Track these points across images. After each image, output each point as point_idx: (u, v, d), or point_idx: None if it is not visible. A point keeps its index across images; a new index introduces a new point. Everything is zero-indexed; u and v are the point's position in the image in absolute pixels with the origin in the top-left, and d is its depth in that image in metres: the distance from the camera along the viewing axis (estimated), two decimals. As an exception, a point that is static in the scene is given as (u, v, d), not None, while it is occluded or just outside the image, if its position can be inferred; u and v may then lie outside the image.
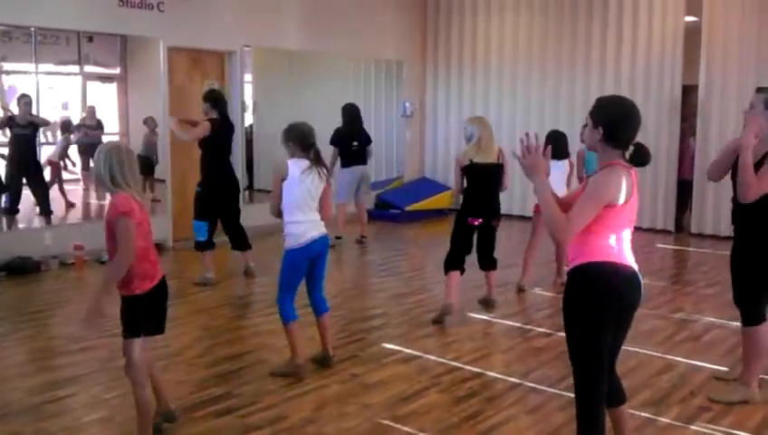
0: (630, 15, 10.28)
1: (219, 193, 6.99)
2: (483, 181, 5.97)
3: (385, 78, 12.01)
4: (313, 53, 10.79)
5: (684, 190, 10.32)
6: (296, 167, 4.57)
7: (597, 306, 3.02)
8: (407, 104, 12.08)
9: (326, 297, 4.92)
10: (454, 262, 6.02)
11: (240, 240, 7.23)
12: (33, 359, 5.05)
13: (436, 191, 11.63)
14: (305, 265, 4.66)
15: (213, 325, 5.79)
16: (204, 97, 7.16)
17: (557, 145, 6.97)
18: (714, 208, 9.86)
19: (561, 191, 6.96)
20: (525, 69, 11.28)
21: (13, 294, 6.73)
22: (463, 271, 6.06)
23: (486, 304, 6.38)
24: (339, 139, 8.84)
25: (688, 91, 10.25)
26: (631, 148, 3.07)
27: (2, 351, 5.20)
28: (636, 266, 3.09)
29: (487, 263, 6.30)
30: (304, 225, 4.57)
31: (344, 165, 8.91)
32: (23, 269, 7.29)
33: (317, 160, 4.65)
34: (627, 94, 10.20)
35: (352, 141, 8.88)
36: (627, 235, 3.08)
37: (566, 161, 7.10)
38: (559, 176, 6.99)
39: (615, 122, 3.05)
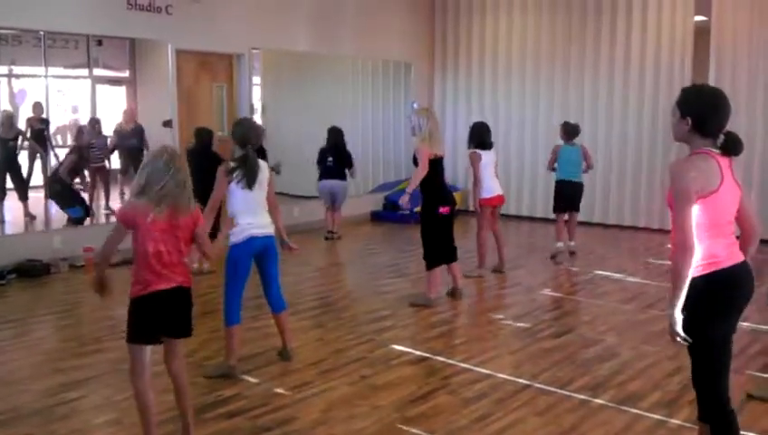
0: (639, 15, 10.25)
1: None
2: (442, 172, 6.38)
3: (393, 79, 12.01)
4: (321, 55, 10.81)
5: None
6: None
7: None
8: (415, 106, 12.06)
9: (284, 295, 5.00)
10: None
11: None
12: (43, 361, 5.06)
13: (445, 192, 11.60)
14: (247, 262, 4.71)
15: (221, 327, 5.76)
16: None
17: (485, 137, 7.52)
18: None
19: (491, 177, 7.48)
20: (533, 69, 11.26)
21: (23, 297, 6.77)
22: None
23: (455, 294, 6.49)
24: (319, 156, 9.57)
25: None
26: (721, 137, 2.94)
27: (12, 353, 5.22)
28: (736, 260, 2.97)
29: (454, 254, 6.52)
30: (246, 225, 4.64)
31: (318, 178, 9.58)
32: (32, 272, 7.32)
33: (243, 161, 4.61)
34: (636, 94, 10.26)
35: (327, 157, 9.50)
36: (726, 229, 2.97)
37: (492, 151, 7.59)
38: (493, 162, 7.56)
39: (704, 112, 2.94)
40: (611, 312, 6.36)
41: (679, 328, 2.88)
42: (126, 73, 10.09)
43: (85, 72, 9.61)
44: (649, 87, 10.18)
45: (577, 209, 8.56)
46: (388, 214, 11.12)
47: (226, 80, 9.58)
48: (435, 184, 6.25)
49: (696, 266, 2.88)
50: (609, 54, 10.52)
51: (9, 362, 5.02)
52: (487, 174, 7.44)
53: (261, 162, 4.71)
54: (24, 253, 7.46)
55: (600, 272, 7.79)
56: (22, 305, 6.51)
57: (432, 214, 6.26)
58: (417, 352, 5.22)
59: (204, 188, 7.14)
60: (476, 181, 7.43)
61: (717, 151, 2.92)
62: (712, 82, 9.70)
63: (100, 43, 9.32)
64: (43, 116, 8.86)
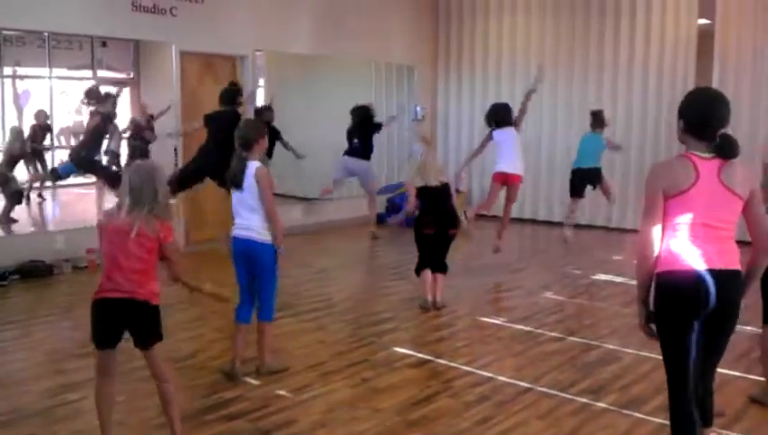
0: (643, 18, 10.24)
1: (200, 170, 7.90)
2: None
3: (396, 82, 12.01)
4: (325, 58, 10.82)
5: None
6: None
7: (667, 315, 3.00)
8: (418, 109, 12.07)
9: (269, 307, 4.73)
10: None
11: None
12: (45, 362, 5.07)
13: (448, 195, 11.60)
14: (236, 261, 4.72)
15: (225, 328, 5.79)
16: None
17: (501, 115, 7.85)
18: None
19: (513, 152, 7.74)
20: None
21: (25, 298, 6.78)
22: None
23: (433, 304, 6.48)
24: (346, 137, 9.72)
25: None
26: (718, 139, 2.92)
27: (14, 354, 5.23)
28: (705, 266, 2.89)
29: (440, 267, 6.65)
30: (234, 224, 4.71)
31: (343, 154, 9.71)
32: (35, 272, 7.33)
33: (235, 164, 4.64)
34: (639, 97, 10.24)
35: (353, 139, 9.63)
36: (701, 231, 2.90)
37: (511, 128, 7.82)
38: (510, 140, 7.77)
39: (695, 114, 2.94)
40: (613, 315, 6.35)
41: (642, 322, 3.13)
42: (130, 75, 10.11)
43: (89, 73, 9.63)
44: (653, 90, 10.16)
45: (595, 186, 8.88)
46: (391, 216, 11.09)
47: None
48: (424, 208, 6.56)
49: (660, 263, 2.98)
50: (612, 58, 10.52)
51: (11, 363, 5.03)
52: (502, 151, 7.77)
53: (250, 163, 4.57)
54: (26, 254, 7.47)
55: (602, 275, 7.78)
56: (24, 306, 6.52)
57: (417, 231, 6.61)
58: (419, 355, 5.22)
59: (226, 153, 6.94)
60: (472, 153, 8.25)
61: (705, 155, 2.90)
62: (715, 86, 9.68)
63: (104, 44, 9.34)
64: (48, 122, 8.92)
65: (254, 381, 4.65)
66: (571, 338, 5.65)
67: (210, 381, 4.64)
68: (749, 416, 4.19)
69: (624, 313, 6.38)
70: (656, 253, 2.98)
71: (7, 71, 9.15)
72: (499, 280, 7.64)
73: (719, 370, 3.16)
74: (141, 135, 9.45)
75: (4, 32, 8.28)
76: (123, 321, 3.50)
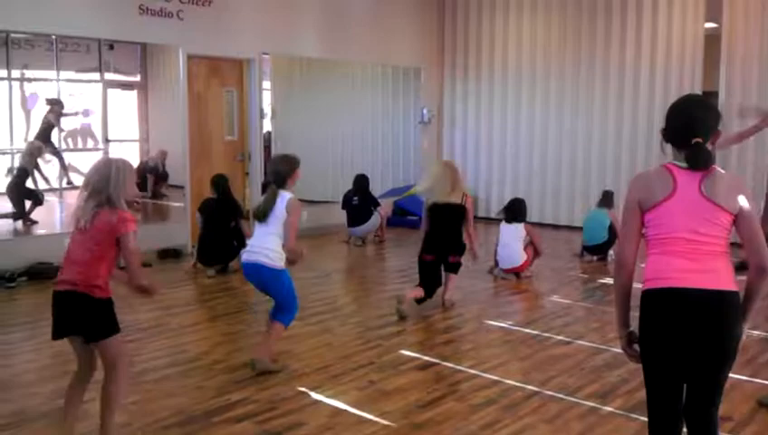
0: (650, 22, 10.23)
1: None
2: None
3: (402, 84, 12.02)
4: (331, 61, 10.84)
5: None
6: None
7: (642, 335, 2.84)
8: (424, 111, 12.07)
9: (287, 310, 4.91)
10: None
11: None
12: (51, 364, 5.07)
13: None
14: (251, 281, 4.98)
15: (231, 331, 5.81)
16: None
17: (512, 211, 7.84)
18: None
19: (513, 249, 7.65)
20: (543, 75, 11.25)
21: (33, 299, 6.79)
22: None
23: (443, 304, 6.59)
24: (343, 200, 9.75)
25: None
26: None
27: (21, 355, 5.25)
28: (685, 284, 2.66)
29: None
30: (247, 248, 4.93)
31: (348, 224, 9.70)
32: (43, 274, 7.35)
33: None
34: (646, 100, 10.22)
35: (353, 198, 9.66)
36: (680, 246, 2.70)
37: (521, 225, 7.72)
38: (513, 238, 7.68)
39: (666, 121, 2.80)
40: (621, 319, 6.33)
41: (623, 344, 2.98)
42: (137, 78, 10.15)
43: (97, 76, 9.67)
44: (659, 93, 10.12)
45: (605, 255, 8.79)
46: (398, 219, 11.11)
47: (236, 84, 9.61)
48: (428, 231, 6.57)
49: (643, 280, 2.80)
50: (619, 59, 10.49)
51: (18, 365, 5.05)
52: (502, 246, 7.72)
53: (284, 193, 4.75)
54: (34, 255, 7.49)
55: (609, 279, 7.77)
56: (31, 308, 6.53)
57: (419, 255, 6.57)
58: (426, 358, 5.22)
59: (221, 239, 7.13)
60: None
61: (682, 164, 2.72)
62: (722, 90, 9.69)
63: (111, 47, 9.37)
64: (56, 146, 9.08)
65: (260, 384, 4.65)
66: (579, 342, 5.64)
67: (217, 384, 4.64)
68: (756, 420, 4.17)
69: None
70: (631, 269, 2.83)
71: (15, 73, 9.19)
72: (505, 283, 7.62)
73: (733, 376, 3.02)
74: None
75: (13, 35, 8.32)
76: (68, 313, 3.50)
